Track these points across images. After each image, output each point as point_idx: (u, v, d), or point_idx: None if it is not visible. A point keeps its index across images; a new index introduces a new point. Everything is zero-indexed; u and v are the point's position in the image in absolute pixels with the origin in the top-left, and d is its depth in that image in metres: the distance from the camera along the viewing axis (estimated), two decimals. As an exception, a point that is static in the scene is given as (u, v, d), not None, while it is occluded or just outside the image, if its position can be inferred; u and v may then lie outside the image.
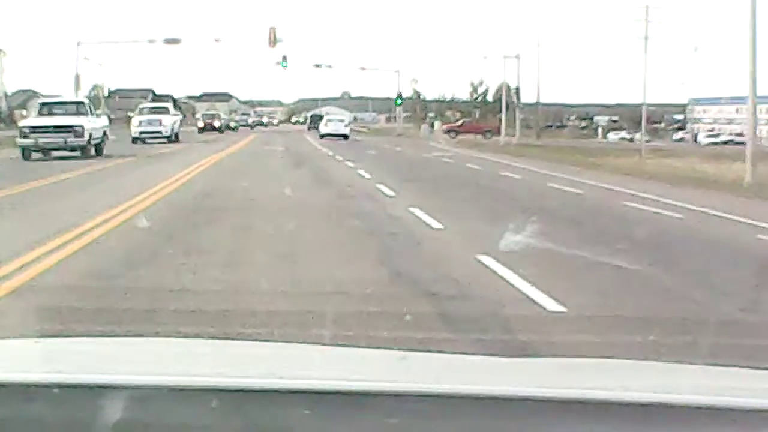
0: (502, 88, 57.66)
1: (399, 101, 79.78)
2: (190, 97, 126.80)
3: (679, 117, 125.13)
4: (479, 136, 69.53)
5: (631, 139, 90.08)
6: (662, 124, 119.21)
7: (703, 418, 1.48)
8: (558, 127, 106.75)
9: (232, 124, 78.49)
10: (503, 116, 58.74)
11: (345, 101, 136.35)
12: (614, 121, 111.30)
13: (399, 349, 2.29)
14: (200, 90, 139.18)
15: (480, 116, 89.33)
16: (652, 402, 1.51)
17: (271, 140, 50.58)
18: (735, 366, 2.16)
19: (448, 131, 72.98)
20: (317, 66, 72.78)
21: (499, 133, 70.93)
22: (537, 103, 61.76)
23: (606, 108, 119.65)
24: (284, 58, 61.34)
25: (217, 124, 65.98)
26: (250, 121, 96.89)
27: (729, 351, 5.26)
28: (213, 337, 5.25)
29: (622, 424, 1.47)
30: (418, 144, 50.64)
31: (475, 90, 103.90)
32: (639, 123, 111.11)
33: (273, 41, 48.68)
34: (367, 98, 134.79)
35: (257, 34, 63.54)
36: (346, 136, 54.43)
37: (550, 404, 1.50)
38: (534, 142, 56.65)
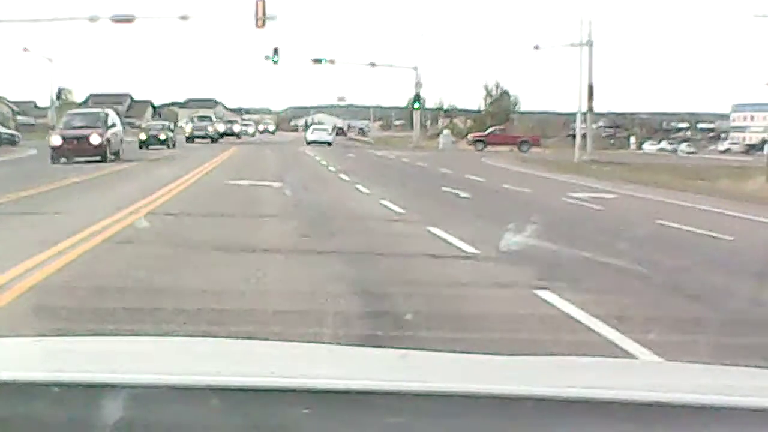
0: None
1: (417, 104, 66.21)
2: (174, 104, 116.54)
3: (706, 126, 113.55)
4: (512, 149, 58.42)
5: (673, 151, 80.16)
6: (688, 133, 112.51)
7: (703, 418, 1.46)
8: (584, 136, 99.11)
9: (163, 136, 46.47)
10: (578, 124, 45.08)
11: (337, 109, 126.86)
12: (618, 127, 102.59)
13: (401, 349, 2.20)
14: (185, 96, 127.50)
15: (514, 124, 78.10)
16: (652, 402, 1.49)
17: (248, 167, 29.25)
18: (735, 365, 2.10)
19: (474, 142, 62.55)
20: (316, 61, 60.08)
21: (537, 144, 59.51)
22: (588, 110, 46.22)
23: (596, 116, 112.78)
24: (275, 51, 51.75)
25: (96, 140, 30.50)
26: (210, 130, 62.89)
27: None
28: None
29: (622, 424, 1.45)
30: (472, 162, 37.92)
31: (489, 94, 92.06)
32: (653, 131, 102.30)
33: (262, 19, 36.39)
34: (360, 106, 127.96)
35: (240, 13, 48.37)
36: (329, 143, 60.59)
37: (550, 404, 1.48)
38: (597, 158, 43.17)
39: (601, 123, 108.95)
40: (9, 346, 2.05)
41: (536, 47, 51.07)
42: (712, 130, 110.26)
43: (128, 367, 1.69)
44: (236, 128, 78.79)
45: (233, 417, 1.42)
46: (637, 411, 1.45)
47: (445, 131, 71.57)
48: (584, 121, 45.71)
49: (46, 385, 1.47)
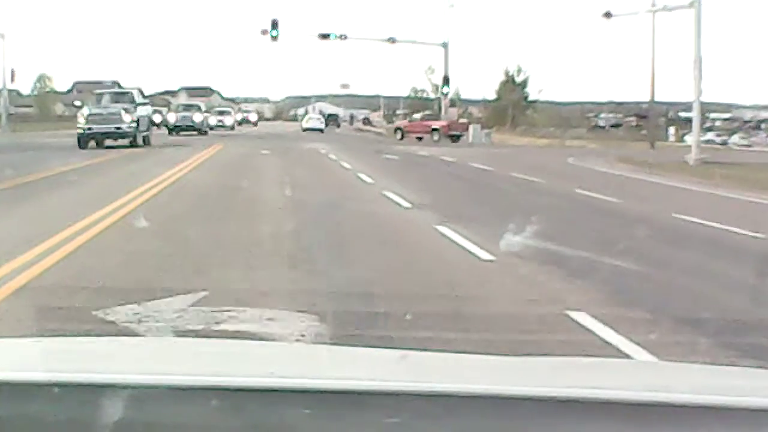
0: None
1: (446, 88, 56.02)
2: (167, 93, 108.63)
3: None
4: (427, 137, 51.28)
5: (723, 143, 72.99)
6: (717, 123, 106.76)
7: (703, 418, 1.45)
8: (612, 126, 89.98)
9: None
10: (695, 112, 32.80)
11: (338, 99, 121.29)
12: (644, 117, 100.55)
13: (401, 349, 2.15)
14: (179, 84, 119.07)
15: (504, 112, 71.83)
16: (652, 402, 1.49)
17: (216, 207, 14.36)
18: (735, 365, 2.19)
19: (394, 130, 56.54)
20: (324, 36, 50.07)
21: (463, 133, 51.60)
22: (699, 94, 33.17)
23: (599, 106, 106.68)
24: (274, 24, 45.83)
25: None
26: (127, 120, 32.08)
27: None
28: None
29: (622, 424, 1.44)
30: (565, 165, 29.27)
31: (511, 80, 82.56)
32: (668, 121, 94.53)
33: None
34: (362, 95, 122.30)
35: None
36: (321, 130, 68.25)
37: (550, 404, 1.48)
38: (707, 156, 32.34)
39: (611, 114, 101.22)
40: (9, 346, 2.05)
41: (607, 14, 40.60)
42: (728, 119, 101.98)
43: (128, 367, 1.69)
44: (197, 118, 51.05)
45: (233, 417, 1.42)
46: (637, 411, 1.45)
47: (462, 120, 62.77)
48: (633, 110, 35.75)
49: (46, 385, 1.47)
